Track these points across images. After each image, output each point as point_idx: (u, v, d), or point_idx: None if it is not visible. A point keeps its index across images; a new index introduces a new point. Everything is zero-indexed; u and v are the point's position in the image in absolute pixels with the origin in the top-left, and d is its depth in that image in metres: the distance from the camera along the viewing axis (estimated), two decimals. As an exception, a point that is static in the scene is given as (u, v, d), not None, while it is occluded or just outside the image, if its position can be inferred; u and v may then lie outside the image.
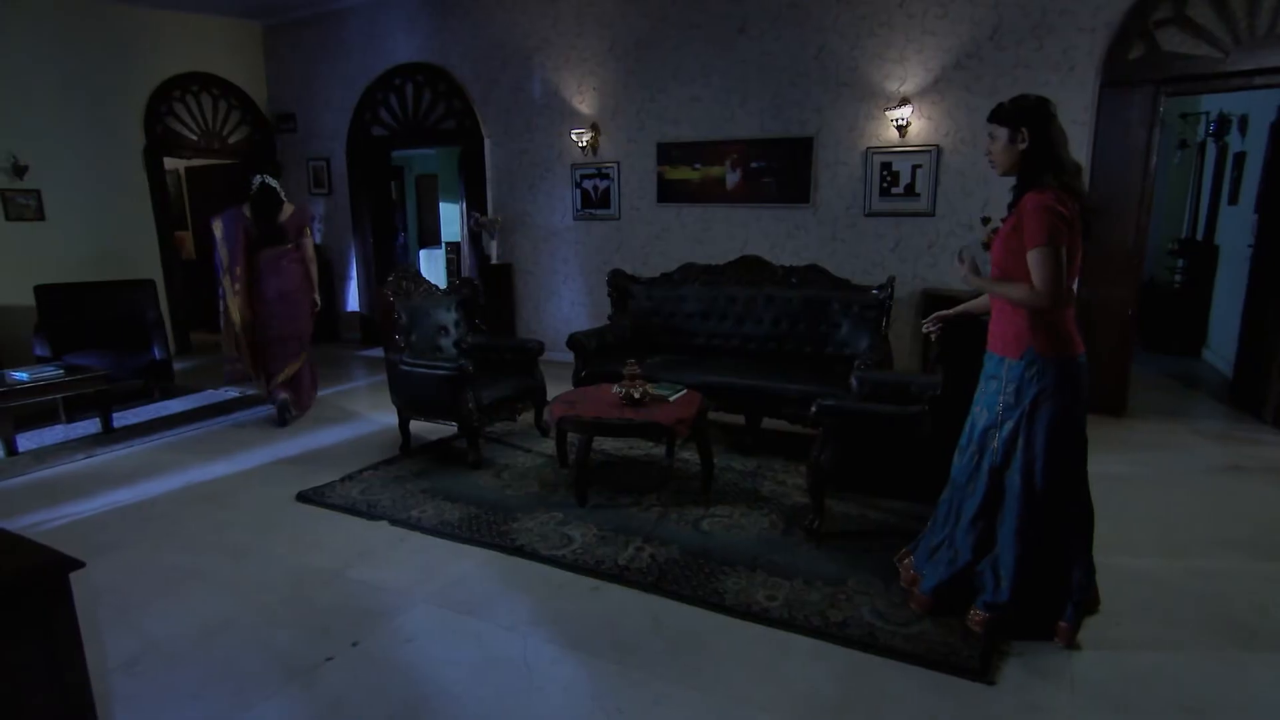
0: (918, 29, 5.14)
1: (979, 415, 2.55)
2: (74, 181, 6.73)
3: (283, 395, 5.09)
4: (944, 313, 2.88)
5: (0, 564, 1.22)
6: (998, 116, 2.40)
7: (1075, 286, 2.48)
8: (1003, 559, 2.46)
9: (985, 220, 5.01)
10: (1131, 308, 4.84)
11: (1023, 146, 2.33)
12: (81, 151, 6.78)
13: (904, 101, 5.20)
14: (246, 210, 4.96)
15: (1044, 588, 2.46)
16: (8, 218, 6.36)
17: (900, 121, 5.22)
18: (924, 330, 2.93)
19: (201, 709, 2.20)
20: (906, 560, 2.85)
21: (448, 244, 10.41)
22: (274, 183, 5.02)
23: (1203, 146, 6.99)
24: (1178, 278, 7.12)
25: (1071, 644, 2.42)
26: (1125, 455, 4.28)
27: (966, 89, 5.04)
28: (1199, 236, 7.03)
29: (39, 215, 6.53)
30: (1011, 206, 2.40)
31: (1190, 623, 2.60)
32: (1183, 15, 4.34)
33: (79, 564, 1.26)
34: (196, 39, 7.56)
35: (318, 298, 5.30)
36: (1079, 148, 4.78)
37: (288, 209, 5.07)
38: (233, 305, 4.99)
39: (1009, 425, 2.42)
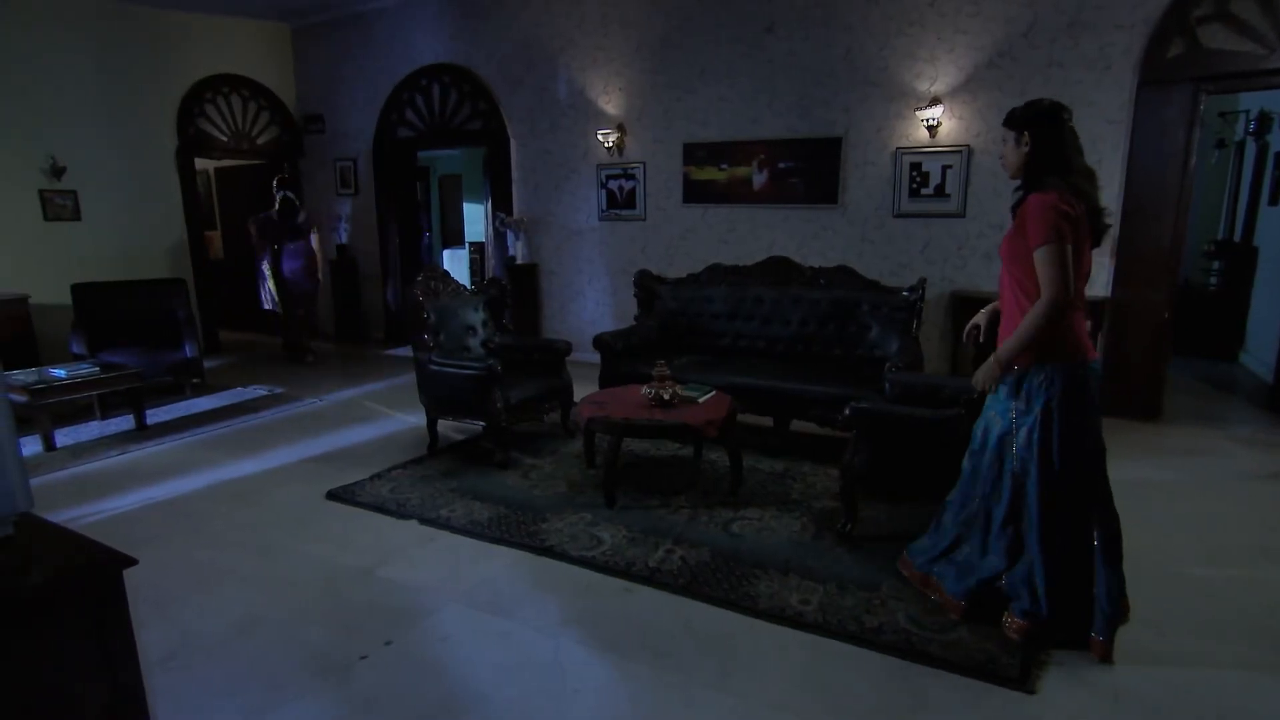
0: (949, 27, 5.07)
1: (993, 421, 2.54)
2: (109, 182, 6.86)
3: (307, 347, 7.29)
4: (978, 319, 2.83)
5: (59, 560, 1.23)
6: (1008, 120, 2.43)
7: (1084, 290, 2.44)
8: (1035, 569, 2.42)
9: None
10: (1167, 311, 4.75)
11: (1025, 150, 2.36)
12: (117, 153, 6.90)
13: (934, 101, 5.14)
14: (274, 214, 6.97)
15: (1076, 598, 2.41)
16: (46, 218, 6.49)
17: (930, 121, 5.16)
18: (965, 338, 2.89)
19: (238, 705, 2.22)
20: (905, 558, 2.87)
21: (471, 244, 10.47)
22: (292, 195, 7.04)
23: (1241, 145, 6.85)
24: (1213, 279, 6.98)
25: (1106, 658, 2.36)
26: (1161, 461, 4.20)
27: (999, 88, 4.97)
28: (1236, 238, 6.88)
29: (75, 215, 6.66)
30: (1014, 209, 2.41)
31: (1235, 634, 2.54)
32: (1226, 11, 4.24)
33: (132, 561, 1.27)
34: (227, 41, 7.67)
35: (320, 275, 7.43)
36: (1114, 148, 4.71)
37: (302, 214, 7.15)
38: (272, 282, 7.16)
39: (1024, 432, 2.40)
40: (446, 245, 10.91)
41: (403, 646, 2.50)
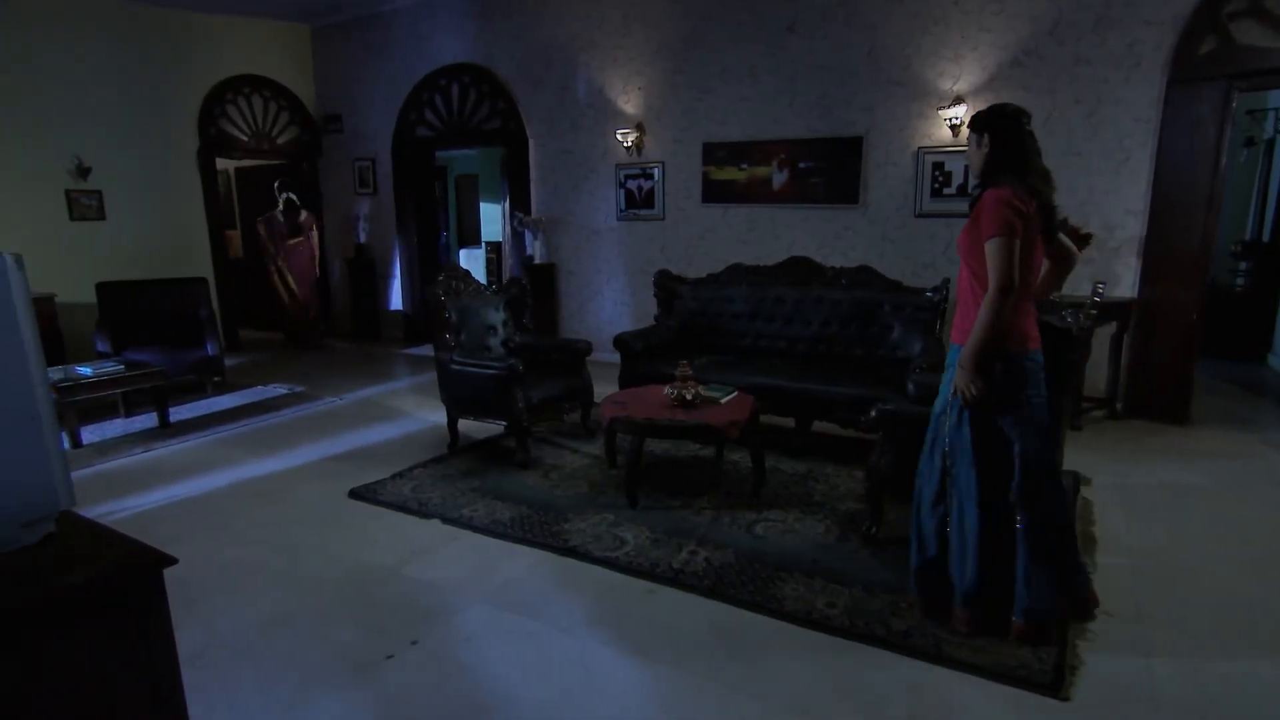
0: (973, 26, 5.02)
1: (937, 403, 2.62)
2: (133, 182, 6.94)
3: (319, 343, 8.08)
4: None
5: (100, 559, 1.24)
6: (971, 122, 2.54)
7: (1035, 284, 2.52)
8: (968, 545, 2.49)
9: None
10: (1196, 312, 4.67)
11: (985, 150, 2.47)
12: (140, 153, 6.99)
13: (958, 100, 5.08)
14: (279, 214, 7.66)
15: (1004, 577, 2.46)
16: (72, 217, 6.58)
17: (954, 120, 5.10)
18: None
19: (268, 703, 2.23)
20: None
21: (487, 244, 10.50)
22: (294, 197, 7.76)
23: (1270, 144, 6.73)
24: (1240, 280, 6.87)
25: (1025, 641, 2.41)
26: (1192, 464, 4.13)
27: (1024, 87, 4.90)
28: (1265, 238, 6.77)
29: (100, 215, 6.75)
30: (972, 205, 2.51)
31: (1273, 640, 2.49)
32: (1259, 7, 4.16)
33: (172, 560, 1.27)
34: (248, 42, 7.73)
35: (317, 269, 8.08)
36: (1142, 145, 4.64)
37: (303, 214, 7.82)
38: (286, 274, 7.77)
39: (955, 413, 2.51)
40: (462, 245, 10.94)
41: (429, 646, 2.50)
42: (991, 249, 2.33)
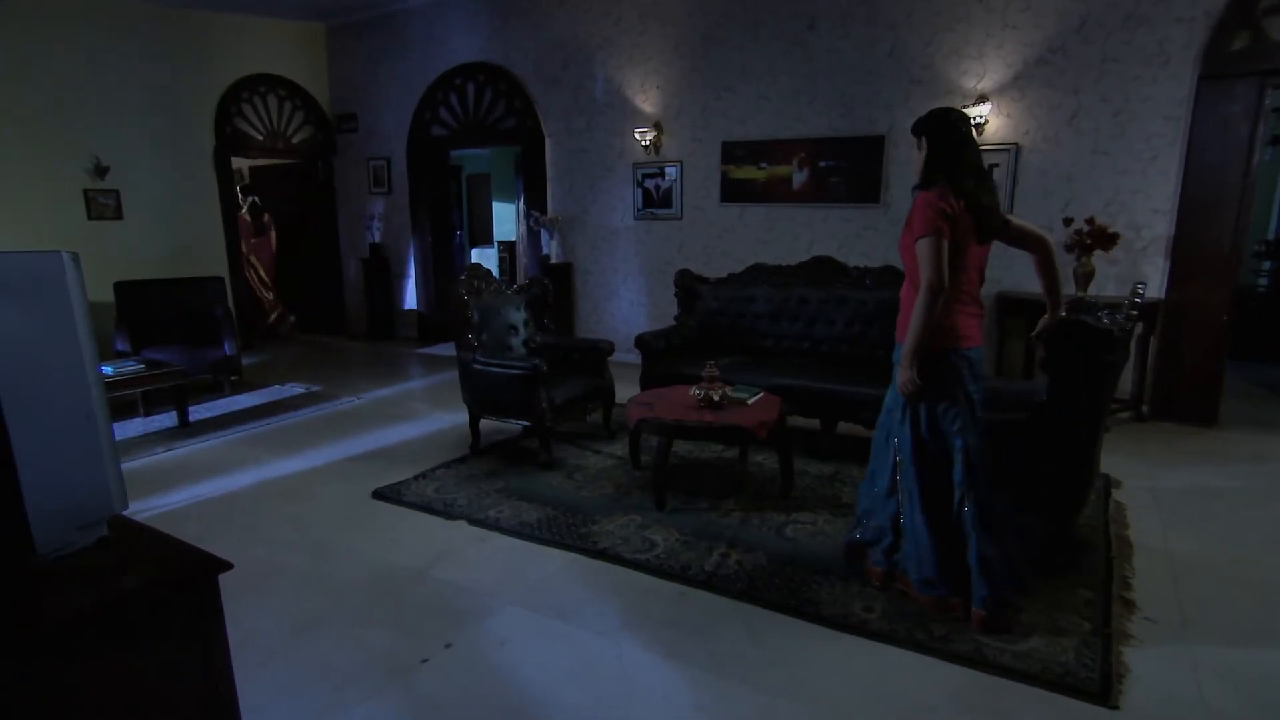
0: (998, 23, 4.97)
1: (888, 398, 2.74)
2: (150, 182, 6.94)
3: (287, 319, 8.70)
4: (1041, 330, 2.79)
5: (154, 563, 1.21)
6: (912, 128, 2.61)
7: (975, 283, 2.58)
8: (921, 539, 2.58)
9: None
10: (1226, 313, 4.61)
11: (923, 154, 2.54)
12: (157, 153, 6.98)
13: (981, 99, 5.04)
14: (246, 215, 8.23)
15: (960, 568, 2.54)
16: (90, 217, 6.57)
17: (978, 119, 5.05)
18: (1032, 338, 2.85)
19: (304, 706, 2.20)
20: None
21: (500, 243, 10.48)
22: (257, 199, 8.39)
23: (1295, 143, 6.66)
24: (1263, 281, 6.80)
25: (985, 630, 2.46)
26: (1223, 468, 4.07)
27: (1050, 85, 4.86)
28: (1289, 238, 6.70)
29: (118, 214, 6.74)
30: None
31: (1323, 649, 2.45)
32: (1294, 4, 4.12)
33: (227, 565, 1.24)
34: (264, 41, 7.73)
35: (273, 266, 8.65)
36: (1171, 144, 4.58)
37: (265, 216, 8.47)
38: (259, 268, 8.38)
39: (899, 410, 2.62)
40: (473, 244, 10.93)
41: (463, 649, 2.47)
42: (919, 249, 2.42)
